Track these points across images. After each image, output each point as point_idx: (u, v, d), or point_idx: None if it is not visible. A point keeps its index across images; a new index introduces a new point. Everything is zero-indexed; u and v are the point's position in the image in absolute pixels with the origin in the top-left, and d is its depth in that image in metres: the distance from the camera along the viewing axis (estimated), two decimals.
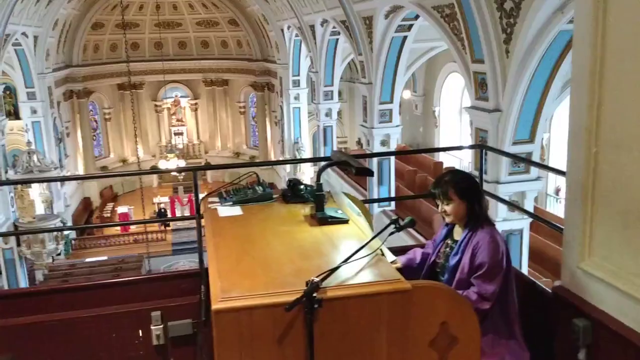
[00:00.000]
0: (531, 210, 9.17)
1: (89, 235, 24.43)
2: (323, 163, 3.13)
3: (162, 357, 3.41)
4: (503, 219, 8.77)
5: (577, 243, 2.58)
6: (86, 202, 27.34)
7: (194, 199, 3.46)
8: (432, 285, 2.27)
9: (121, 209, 26.13)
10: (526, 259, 9.31)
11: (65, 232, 21.91)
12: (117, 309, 3.40)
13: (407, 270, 3.14)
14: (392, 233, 2.66)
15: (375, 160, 14.13)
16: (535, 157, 9.17)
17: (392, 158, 14.52)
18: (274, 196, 3.14)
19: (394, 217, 2.67)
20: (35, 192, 21.16)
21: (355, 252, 2.26)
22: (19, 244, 18.46)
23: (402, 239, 12.19)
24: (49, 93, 23.03)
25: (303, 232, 2.68)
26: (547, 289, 3.09)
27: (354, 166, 2.72)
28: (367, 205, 12.60)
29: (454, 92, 20.75)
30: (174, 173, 26.27)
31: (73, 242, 23.31)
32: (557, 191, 15.70)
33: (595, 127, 2.36)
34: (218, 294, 2.04)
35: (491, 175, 8.78)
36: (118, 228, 24.82)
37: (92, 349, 3.35)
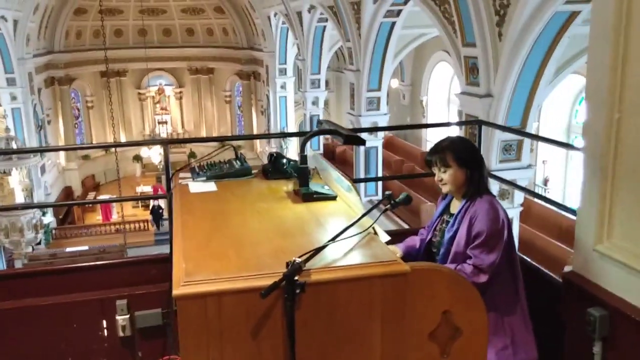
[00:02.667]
0: (521, 200, 8.92)
1: (70, 225, 23.91)
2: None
3: (129, 350, 3.08)
4: None
5: (593, 222, 2.28)
6: (67, 191, 26.77)
7: (164, 176, 3.12)
8: (433, 268, 1.96)
9: (103, 197, 25.59)
10: (515, 249, 9.06)
11: (46, 221, 21.46)
12: (78, 296, 3.06)
13: (407, 259, 2.84)
14: (385, 210, 2.36)
15: (362, 149, 13.86)
16: (526, 146, 8.94)
17: (380, 147, 14.22)
18: (253, 171, 2.82)
19: (388, 192, 2.36)
20: (15, 180, 20.68)
21: (344, 230, 1.94)
22: None
23: (385, 224, 11.92)
24: (30, 79, 22.46)
25: (284, 209, 2.36)
26: (554, 276, 2.79)
27: (342, 134, 2.41)
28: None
29: (442, 82, 20.47)
30: (156, 162, 25.83)
31: (54, 231, 22.79)
32: (546, 182, 15.51)
33: (619, 89, 2.06)
34: (181, 277, 1.71)
35: None
36: (99, 217, 24.33)
37: (50, 341, 3.02)
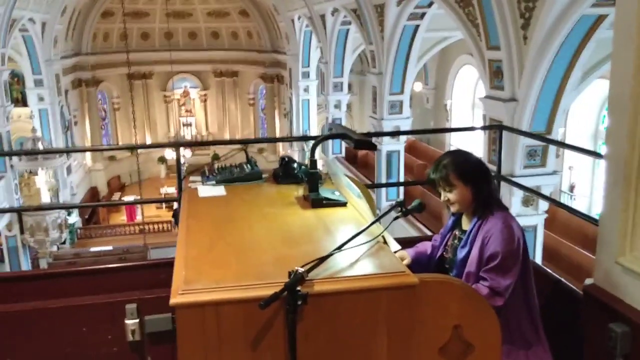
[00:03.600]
0: (545, 207, 8.73)
1: (94, 225, 24.20)
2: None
3: (138, 355, 3.04)
4: (516, 215, 8.33)
5: (616, 234, 2.17)
6: (93, 192, 27.12)
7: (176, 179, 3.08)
8: (443, 280, 1.86)
9: (128, 199, 25.86)
10: (540, 257, 8.89)
11: (71, 221, 21.73)
12: (87, 300, 3.03)
13: (416, 266, 2.73)
14: (397, 217, 2.27)
15: (384, 153, 13.76)
16: (552, 152, 8.75)
17: (402, 151, 14.10)
18: (264, 176, 2.76)
19: (399, 199, 2.28)
20: (42, 180, 21.00)
21: (351, 239, 1.87)
22: (22, 232, 18.29)
23: (407, 230, 11.76)
24: (57, 81, 22.77)
25: (292, 215, 2.29)
26: (575, 288, 2.67)
27: (353, 138, 2.33)
28: (372, 194, 12.04)
29: (466, 86, 20.24)
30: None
31: (79, 231, 23.07)
32: (572, 188, 15.21)
33: None
34: (179, 285, 1.65)
35: (505, 168, 8.32)
36: (124, 218, 24.56)
37: (59, 344, 2.99)
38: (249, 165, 2.76)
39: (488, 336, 1.85)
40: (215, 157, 27.43)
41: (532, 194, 7.64)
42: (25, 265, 18.41)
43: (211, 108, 30.84)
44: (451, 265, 2.63)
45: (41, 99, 21.84)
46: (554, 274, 2.98)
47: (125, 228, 23.39)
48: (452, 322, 1.82)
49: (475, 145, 15.44)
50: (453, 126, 20.74)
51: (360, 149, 2.28)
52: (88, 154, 26.96)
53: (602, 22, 7.23)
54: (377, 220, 2.07)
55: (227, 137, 30.43)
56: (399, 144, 13.92)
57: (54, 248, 19.77)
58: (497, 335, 1.86)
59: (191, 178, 2.78)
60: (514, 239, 2.42)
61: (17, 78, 23.61)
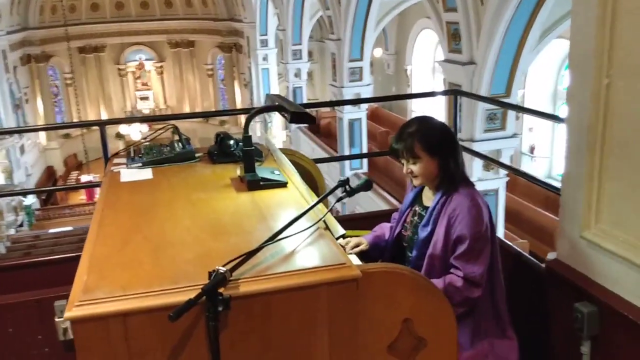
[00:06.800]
0: (506, 170, 8.66)
1: (52, 205, 23.52)
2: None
3: (71, 355, 2.77)
4: (478, 179, 8.25)
5: (579, 206, 1.98)
6: (49, 171, 26.29)
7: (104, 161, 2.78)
8: (390, 270, 1.64)
9: (85, 178, 25.15)
10: (502, 221, 8.86)
11: (27, 203, 21.04)
12: (11, 298, 2.75)
13: (375, 251, 2.52)
14: (341, 199, 2.04)
15: (345, 122, 13.53)
16: (511, 115, 8.66)
17: (364, 119, 13.87)
18: (197, 155, 2.49)
19: (343, 178, 2.04)
20: None
21: (284, 228, 1.63)
22: None
23: (376, 203, 11.61)
24: (4, 57, 21.80)
25: (224, 201, 2.03)
26: (538, 263, 2.49)
27: (289, 111, 2.08)
28: (328, 165, 11.70)
29: (426, 50, 20.03)
30: (136, 140, 25.29)
31: (36, 212, 22.38)
32: (532, 149, 15.26)
33: (608, 51, 1.74)
34: (77, 295, 1.40)
35: (465, 132, 8.23)
36: (83, 197, 23.92)
37: None
38: (180, 144, 2.48)
39: (442, 329, 1.65)
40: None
41: (491, 162, 7.54)
42: None
43: (168, 80, 29.99)
44: (410, 244, 2.42)
45: None
46: (514, 246, 2.80)
47: (85, 207, 22.77)
48: (401, 315, 1.62)
49: (438, 110, 15.30)
50: (414, 92, 20.55)
51: (296, 122, 2.03)
52: (42, 134, 26.03)
53: None
54: (317, 203, 1.84)
55: (186, 109, 29.69)
56: (360, 112, 13.67)
57: (12, 231, 19.16)
58: (452, 327, 1.67)
59: (115, 160, 2.49)
60: (482, 219, 2.24)
61: None
